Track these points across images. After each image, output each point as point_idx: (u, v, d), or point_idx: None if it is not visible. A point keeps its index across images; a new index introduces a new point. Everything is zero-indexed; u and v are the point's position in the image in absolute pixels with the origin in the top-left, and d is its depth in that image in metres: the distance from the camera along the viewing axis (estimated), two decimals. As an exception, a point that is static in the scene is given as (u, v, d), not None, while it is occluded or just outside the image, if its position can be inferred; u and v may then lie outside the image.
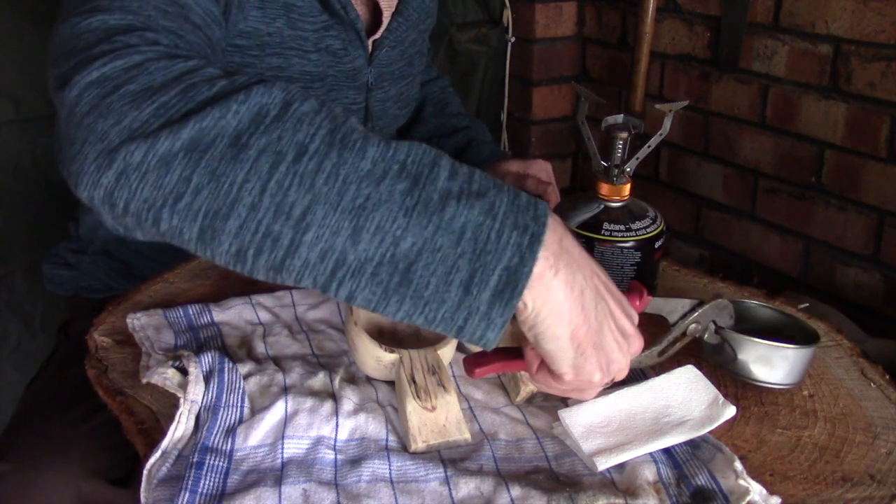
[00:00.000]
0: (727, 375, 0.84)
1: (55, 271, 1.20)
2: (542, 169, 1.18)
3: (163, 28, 0.69)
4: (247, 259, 0.59)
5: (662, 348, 0.81)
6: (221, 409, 0.74)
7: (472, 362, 0.71)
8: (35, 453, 0.90)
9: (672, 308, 0.81)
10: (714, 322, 0.81)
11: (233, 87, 0.60)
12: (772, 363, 0.81)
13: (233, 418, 0.73)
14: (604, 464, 0.69)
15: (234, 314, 0.91)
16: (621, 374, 0.68)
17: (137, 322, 0.88)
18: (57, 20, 0.73)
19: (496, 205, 0.59)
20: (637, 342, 0.68)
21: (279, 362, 0.83)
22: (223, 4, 0.87)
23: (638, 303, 0.75)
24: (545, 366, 0.67)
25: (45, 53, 0.71)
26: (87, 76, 0.62)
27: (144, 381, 0.77)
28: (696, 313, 0.81)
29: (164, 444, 0.70)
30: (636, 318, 0.69)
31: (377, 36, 1.11)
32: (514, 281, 0.58)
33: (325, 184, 0.57)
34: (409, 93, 1.22)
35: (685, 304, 0.81)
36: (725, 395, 0.79)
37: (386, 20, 1.11)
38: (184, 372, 0.77)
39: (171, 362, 0.78)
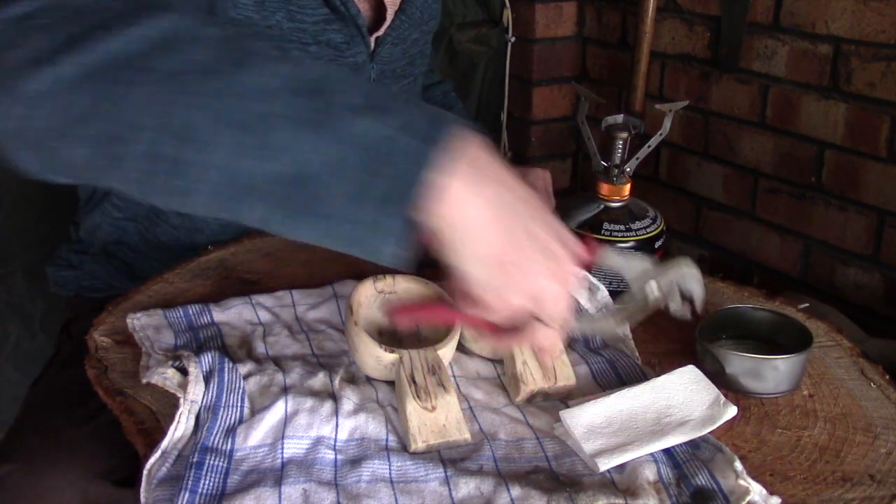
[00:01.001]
0: (727, 375, 0.84)
1: (58, 273, 1.20)
2: (539, 178, 1.14)
3: None
4: (144, 182, 0.57)
5: (622, 316, 0.78)
6: (221, 409, 0.74)
7: (396, 308, 0.69)
8: (40, 454, 0.90)
9: (631, 267, 0.76)
10: (680, 289, 0.76)
11: (145, 11, 0.57)
12: (761, 374, 0.81)
13: (233, 418, 0.73)
14: (605, 464, 0.69)
15: (234, 314, 0.91)
16: (558, 309, 0.63)
17: (137, 322, 0.88)
18: None
19: (400, 118, 0.56)
20: (569, 267, 0.62)
21: (279, 362, 0.82)
22: None
23: (585, 253, 0.70)
24: (470, 295, 0.61)
25: None
26: (6, 12, 0.58)
27: (144, 381, 0.77)
28: (657, 278, 0.75)
29: (164, 443, 0.70)
30: (572, 245, 0.64)
31: (380, 33, 1.11)
32: (406, 188, 0.54)
33: (216, 99, 0.55)
34: (410, 92, 1.22)
35: (646, 263, 0.76)
36: (725, 395, 0.79)
37: (389, 17, 1.11)
38: (184, 372, 0.77)
39: (171, 362, 0.78)
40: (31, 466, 0.88)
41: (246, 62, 0.56)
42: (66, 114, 0.55)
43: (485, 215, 0.58)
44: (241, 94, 0.55)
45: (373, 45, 1.11)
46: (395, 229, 0.55)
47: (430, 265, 1.05)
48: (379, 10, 1.11)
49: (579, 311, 0.93)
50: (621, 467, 0.71)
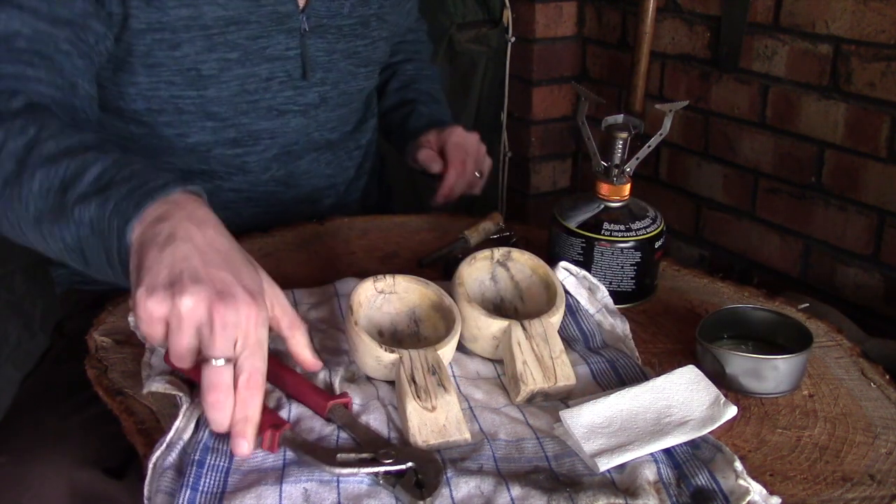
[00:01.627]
0: (727, 375, 0.84)
1: (56, 270, 1.21)
2: (456, 134, 1.22)
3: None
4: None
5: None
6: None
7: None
8: (28, 445, 0.90)
9: None
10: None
11: None
12: (761, 375, 0.81)
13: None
14: (606, 464, 0.69)
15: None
16: (190, 312, 0.67)
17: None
18: None
19: (109, 197, 0.75)
20: (241, 302, 0.68)
21: (280, 358, 0.82)
22: None
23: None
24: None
25: None
26: None
27: (145, 391, 0.77)
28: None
29: (169, 436, 0.70)
30: (253, 286, 0.72)
31: None
32: (121, 255, 0.74)
33: (20, 205, 0.81)
34: (368, 54, 1.23)
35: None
36: (725, 395, 0.79)
37: None
38: (186, 379, 0.77)
39: (174, 374, 0.78)
40: (18, 457, 0.88)
41: (23, 173, 0.81)
42: None
43: (152, 257, 0.70)
44: (27, 200, 0.81)
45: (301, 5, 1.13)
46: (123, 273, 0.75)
47: (429, 265, 1.06)
48: None
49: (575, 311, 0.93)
50: (621, 467, 0.71)
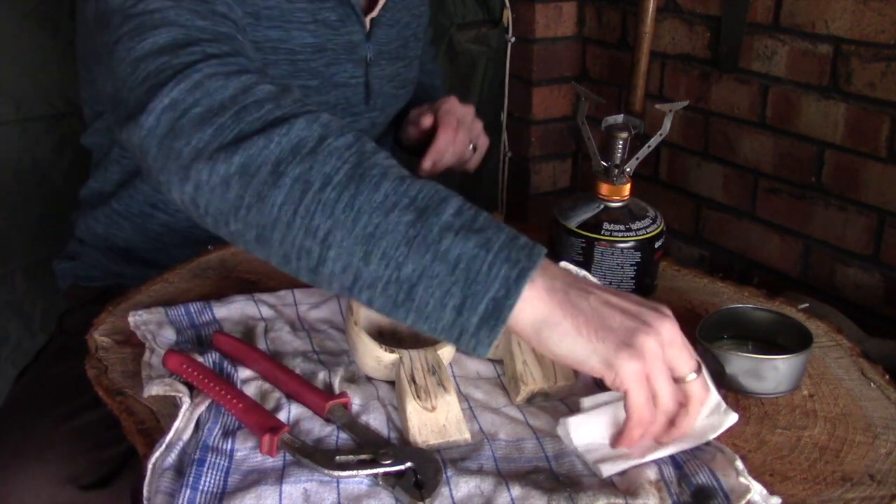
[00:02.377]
0: (727, 375, 0.84)
1: (60, 265, 1.21)
2: (450, 102, 1.18)
3: (204, 34, 0.78)
4: (291, 262, 0.70)
5: None
6: (222, 414, 0.74)
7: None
8: (14, 454, 0.89)
9: None
10: None
11: (277, 117, 0.70)
12: (761, 374, 0.81)
13: (232, 423, 0.73)
14: (608, 470, 0.69)
15: (235, 309, 0.91)
16: (673, 336, 0.67)
17: (139, 318, 0.88)
18: (98, 40, 0.81)
19: (492, 240, 0.66)
20: (655, 310, 0.68)
21: (280, 358, 0.83)
22: None
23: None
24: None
25: (104, 75, 0.81)
26: (160, 102, 0.72)
27: (146, 394, 0.77)
28: None
29: (169, 436, 0.70)
30: (650, 303, 0.69)
31: (374, 14, 1.14)
32: (500, 310, 0.65)
33: (343, 212, 0.66)
34: (406, 75, 1.24)
35: None
36: (725, 397, 0.79)
37: (381, 0, 1.14)
38: (185, 382, 0.77)
39: (173, 377, 0.78)
40: (3, 466, 0.88)
41: (364, 179, 0.67)
42: (224, 201, 0.70)
43: (552, 301, 0.66)
44: (361, 210, 0.66)
45: (368, 26, 1.13)
46: (491, 339, 0.65)
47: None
48: None
49: None
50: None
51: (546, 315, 0.66)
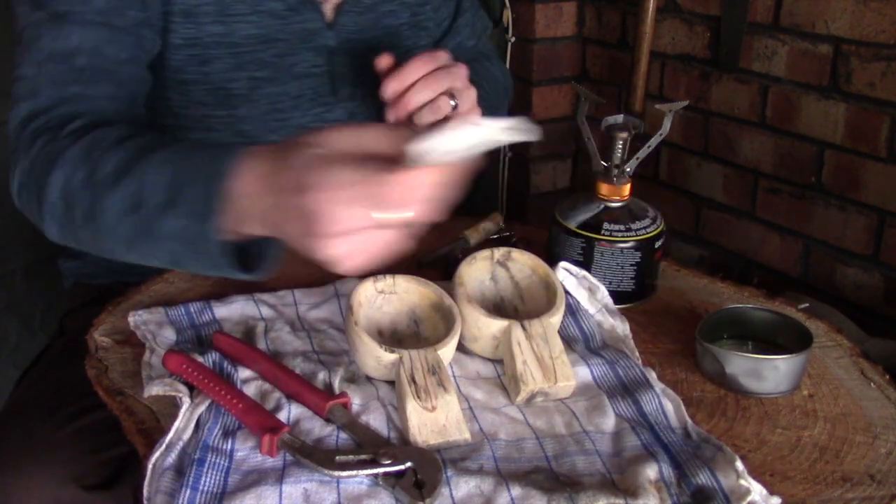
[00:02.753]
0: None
1: (65, 263, 1.21)
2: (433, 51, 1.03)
3: (47, 104, 0.90)
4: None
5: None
6: (222, 414, 0.74)
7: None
8: (16, 456, 0.89)
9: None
10: None
11: (43, 181, 0.84)
12: (761, 374, 0.81)
13: (232, 423, 0.73)
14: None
15: (235, 309, 0.91)
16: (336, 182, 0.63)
17: (139, 318, 0.88)
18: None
19: (185, 207, 0.73)
20: (350, 177, 0.63)
21: (280, 358, 0.83)
22: None
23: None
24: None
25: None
26: (14, 181, 0.88)
27: (146, 395, 0.77)
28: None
29: (169, 436, 0.70)
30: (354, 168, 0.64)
31: (337, 0, 1.12)
32: (219, 254, 0.73)
33: (106, 233, 0.80)
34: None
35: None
36: (725, 396, 0.79)
37: None
38: (185, 383, 0.77)
39: (173, 377, 0.78)
40: (5, 467, 0.88)
41: (97, 203, 0.79)
42: (66, 241, 0.86)
43: (267, 217, 0.69)
44: (107, 231, 0.79)
45: (332, 13, 1.12)
46: (233, 267, 0.75)
47: (429, 265, 1.05)
48: None
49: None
50: (622, 467, 0.71)
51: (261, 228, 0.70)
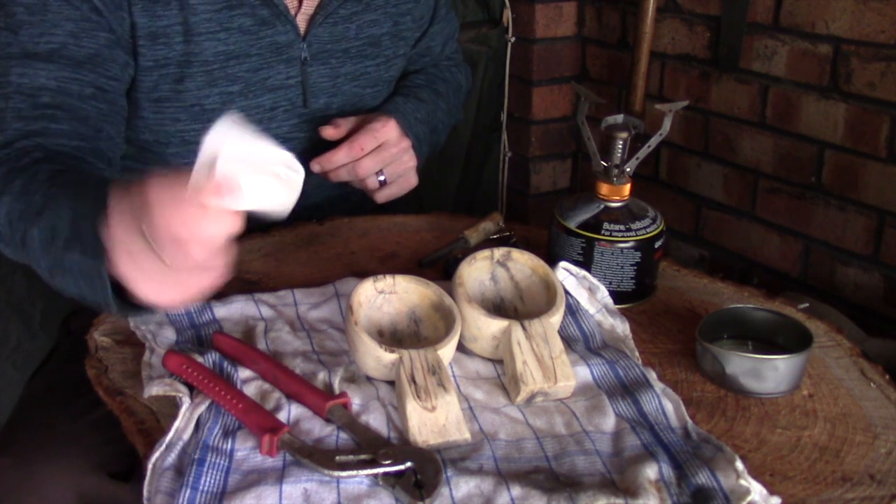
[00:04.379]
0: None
1: None
2: (381, 122, 1.11)
3: (17, 135, 0.93)
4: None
5: None
6: (222, 414, 0.74)
7: None
8: (36, 448, 0.90)
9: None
10: None
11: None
12: (761, 374, 0.81)
13: (232, 423, 0.73)
14: None
15: (235, 310, 0.91)
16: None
17: (139, 318, 0.88)
18: None
19: (78, 245, 0.76)
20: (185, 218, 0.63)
21: (280, 358, 0.83)
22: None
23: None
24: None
25: None
26: None
27: (146, 395, 0.77)
28: None
29: (169, 437, 0.70)
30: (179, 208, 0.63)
31: (307, 11, 1.12)
32: (104, 288, 0.75)
33: (33, 251, 0.83)
34: (380, 74, 1.21)
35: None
36: (725, 396, 0.79)
37: None
38: (184, 383, 0.77)
39: (172, 377, 0.78)
40: (25, 460, 0.88)
41: (29, 230, 0.82)
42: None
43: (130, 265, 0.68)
44: (35, 261, 0.84)
45: (305, 24, 1.12)
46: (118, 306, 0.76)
47: (429, 265, 1.05)
48: None
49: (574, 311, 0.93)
50: (622, 467, 0.71)
51: (128, 273, 0.68)
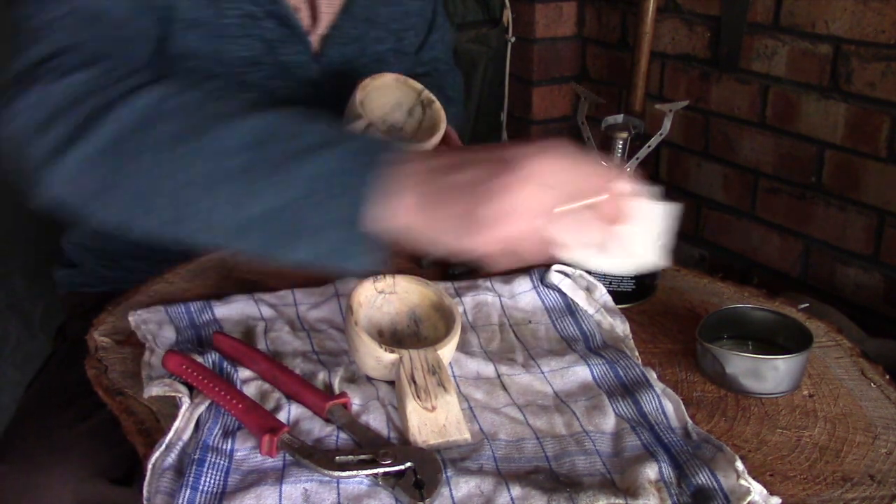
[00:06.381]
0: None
1: (58, 271, 1.21)
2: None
3: (67, 47, 0.81)
4: (159, 231, 0.71)
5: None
6: (222, 414, 0.74)
7: None
8: (34, 454, 0.90)
9: None
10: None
11: (114, 99, 0.72)
12: (761, 374, 0.81)
13: (232, 423, 0.73)
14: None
15: (235, 309, 0.91)
16: (532, 172, 0.62)
17: (139, 318, 0.88)
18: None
19: (342, 152, 0.66)
20: (518, 169, 0.62)
21: (280, 358, 0.83)
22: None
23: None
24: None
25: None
26: (12, 111, 0.76)
27: (146, 395, 0.77)
28: None
29: (168, 437, 0.70)
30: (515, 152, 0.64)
31: (321, 31, 1.12)
32: (359, 210, 0.64)
33: (192, 165, 0.68)
34: None
35: None
36: (725, 396, 0.79)
37: (326, 17, 1.12)
38: (184, 383, 0.77)
39: (172, 377, 0.78)
40: (24, 466, 0.88)
41: (206, 130, 0.69)
42: (83, 191, 0.72)
43: (424, 201, 0.63)
44: (209, 157, 0.67)
45: (318, 44, 1.12)
46: (358, 246, 0.65)
47: (429, 265, 1.05)
48: (315, 10, 1.12)
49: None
50: (622, 467, 0.71)
51: (415, 218, 0.64)
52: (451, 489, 0.67)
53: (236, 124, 0.68)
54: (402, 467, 0.67)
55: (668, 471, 0.69)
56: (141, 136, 0.70)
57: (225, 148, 0.67)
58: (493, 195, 0.62)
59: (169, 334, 0.86)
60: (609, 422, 0.77)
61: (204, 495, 0.65)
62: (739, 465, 0.69)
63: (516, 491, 0.66)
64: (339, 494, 0.66)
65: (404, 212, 0.64)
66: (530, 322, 0.92)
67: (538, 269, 0.97)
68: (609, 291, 0.95)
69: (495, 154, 0.64)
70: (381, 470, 0.67)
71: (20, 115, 0.74)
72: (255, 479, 0.67)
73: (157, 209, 0.69)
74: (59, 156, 0.72)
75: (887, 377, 0.86)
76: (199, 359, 0.79)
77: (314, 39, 1.12)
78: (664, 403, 0.78)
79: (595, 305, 0.94)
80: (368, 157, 0.65)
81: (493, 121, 2.06)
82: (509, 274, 0.97)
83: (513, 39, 1.99)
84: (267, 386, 0.79)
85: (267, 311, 0.92)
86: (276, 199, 0.65)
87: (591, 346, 0.89)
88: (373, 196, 0.63)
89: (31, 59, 0.79)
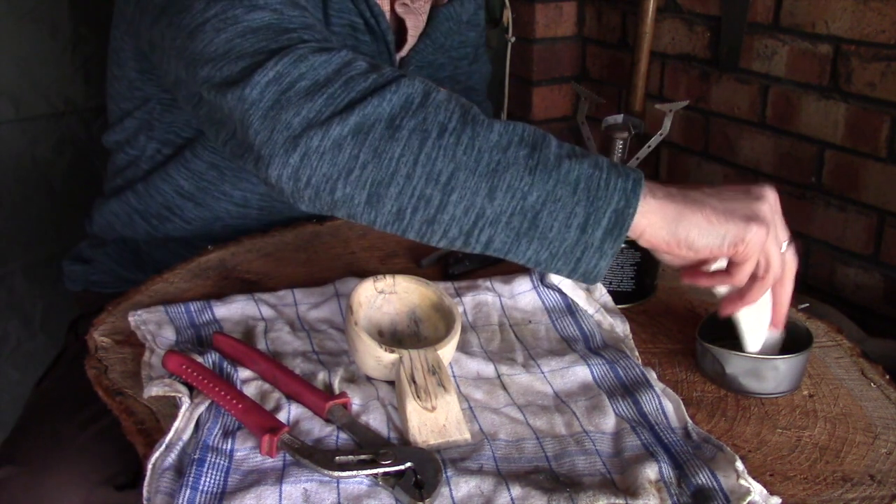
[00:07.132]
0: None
1: (70, 267, 1.20)
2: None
3: (294, 23, 0.80)
4: (405, 217, 0.72)
5: None
6: (222, 414, 0.74)
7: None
8: (42, 458, 0.89)
9: None
10: None
11: (384, 80, 0.73)
12: (761, 375, 0.81)
13: (232, 423, 0.73)
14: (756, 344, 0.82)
15: (235, 309, 0.91)
16: (777, 202, 0.77)
17: (139, 318, 0.88)
18: (171, 25, 0.83)
19: (599, 162, 0.71)
20: (757, 185, 0.76)
21: (280, 358, 0.83)
22: None
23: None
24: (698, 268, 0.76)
25: (172, 60, 0.83)
26: (264, 76, 0.73)
27: (146, 395, 0.77)
28: None
29: (168, 437, 0.70)
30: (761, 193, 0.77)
31: (403, 54, 1.13)
32: (622, 219, 0.70)
33: (464, 154, 0.70)
34: None
35: None
36: (725, 396, 0.79)
37: (412, 39, 1.12)
38: (184, 383, 0.77)
39: (172, 377, 0.78)
40: (32, 469, 0.88)
41: (476, 123, 0.72)
42: (335, 165, 0.71)
43: (687, 208, 0.72)
44: (481, 150, 0.71)
45: (398, 66, 1.12)
46: (614, 250, 0.71)
47: (429, 265, 1.05)
48: (400, 33, 1.13)
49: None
50: (622, 467, 0.71)
51: (676, 214, 0.71)
52: (451, 489, 0.67)
53: (496, 123, 0.72)
54: (402, 467, 0.67)
55: (668, 471, 0.69)
56: (409, 119, 0.71)
57: (494, 143, 0.71)
58: (748, 197, 0.74)
59: (169, 334, 0.86)
60: (609, 422, 0.77)
61: (204, 495, 0.65)
62: (739, 465, 0.69)
63: (516, 491, 0.66)
64: (339, 494, 0.66)
65: (665, 211, 0.72)
66: (530, 322, 0.92)
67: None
68: (609, 291, 0.95)
69: (731, 185, 0.76)
70: (381, 470, 0.67)
71: (281, 78, 0.73)
72: (255, 479, 0.67)
73: (407, 195, 0.71)
74: (322, 125, 0.71)
75: (887, 377, 0.86)
76: (199, 359, 0.79)
77: (395, 60, 1.12)
78: (664, 403, 0.78)
79: (595, 305, 0.94)
80: (621, 169, 0.71)
81: (493, 121, 2.06)
82: (509, 274, 0.97)
83: (513, 39, 1.99)
84: (267, 386, 0.79)
85: (267, 311, 0.92)
86: (539, 196, 0.70)
87: (591, 346, 0.89)
88: (632, 209, 0.70)
89: (253, 27, 0.78)
